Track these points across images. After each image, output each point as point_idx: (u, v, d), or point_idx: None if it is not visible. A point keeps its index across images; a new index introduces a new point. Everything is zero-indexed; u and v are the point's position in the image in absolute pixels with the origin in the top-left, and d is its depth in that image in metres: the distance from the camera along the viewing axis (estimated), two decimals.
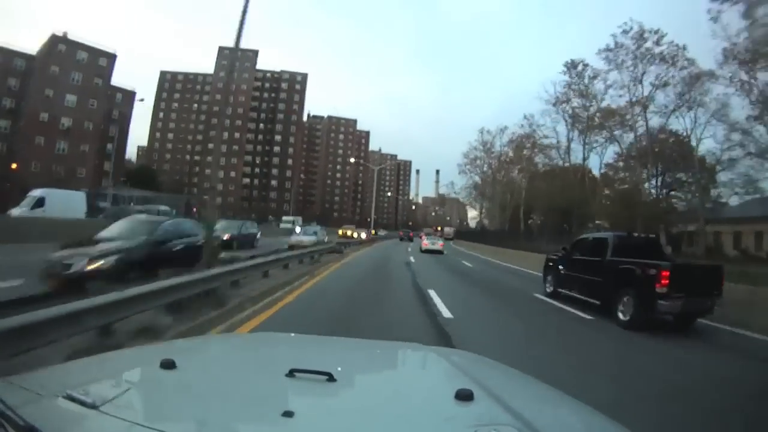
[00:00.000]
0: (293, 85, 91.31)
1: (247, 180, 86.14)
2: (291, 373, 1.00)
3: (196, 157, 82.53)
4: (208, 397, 0.94)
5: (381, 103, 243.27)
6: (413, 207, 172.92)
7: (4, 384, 0.91)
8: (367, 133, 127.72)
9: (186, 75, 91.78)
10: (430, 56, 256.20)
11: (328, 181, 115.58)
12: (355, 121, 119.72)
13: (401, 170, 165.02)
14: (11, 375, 0.98)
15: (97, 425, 0.77)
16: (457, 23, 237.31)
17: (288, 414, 0.80)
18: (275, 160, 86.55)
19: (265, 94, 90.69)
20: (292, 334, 1.90)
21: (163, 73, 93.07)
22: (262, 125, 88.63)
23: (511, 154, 65.90)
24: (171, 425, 0.75)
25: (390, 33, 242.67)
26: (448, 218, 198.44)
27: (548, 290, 9.80)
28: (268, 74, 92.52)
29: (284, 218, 58.01)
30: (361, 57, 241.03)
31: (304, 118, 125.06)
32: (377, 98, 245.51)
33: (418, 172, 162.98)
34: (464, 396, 0.91)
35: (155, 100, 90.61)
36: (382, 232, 57.96)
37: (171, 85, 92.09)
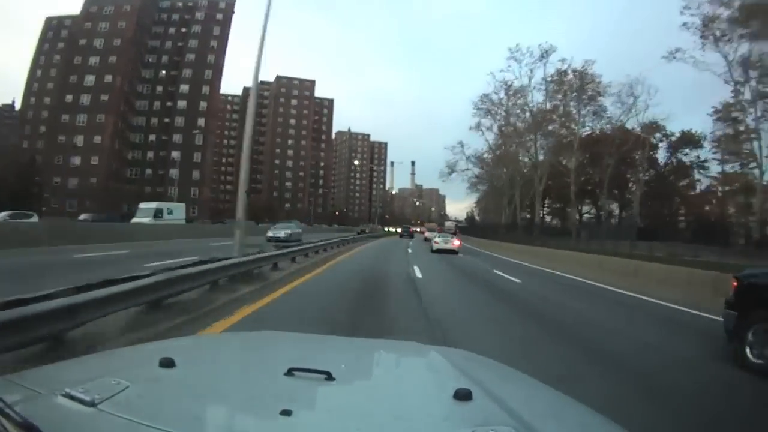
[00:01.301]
0: (213, 14, 61.56)
1: (137, 153, 56.21)
2: (290, 372, 1.00)
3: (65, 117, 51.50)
4: (207, 395, 0.95)
5: (352, 96, 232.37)
6: (393, 193, 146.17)
7: (2, 381, 0.92)
8: (330, 102, 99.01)
9: (75, 19, 60.74)
10: (406, 50, 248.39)
11: (277, 161, 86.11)
12: (312, 83, 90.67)
13: (375, 153, 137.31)
14: (10, 373, 0.99)
15: (95, 423, 0.77)
16: (430, 21, 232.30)
17: (286, 412, 0.80)
18: (179, 121, 56.60)
19: (171, 30, 60.80)
20: (291, 333, 1.92)
21: (48, 20, 62.63)
22: (163, 72, 58.61)
23: (541, 104, 40.08)
24: (170, 423, 0.75)
25: (364, 27, 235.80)
26: (433, 209, 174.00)
27: (755, 360, 4.10)
28: (179, 2, 62.69)
29: (141, 205, 29.56)
30: (332, 51, 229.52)
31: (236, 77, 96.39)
32: (349, 92, 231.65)
33: (392, 164, 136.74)
34: (463, 395, 0.91)
35: (35, 53, 60.98)
36: (276, 233, 23.29)
37: (56, 33, 61.59)
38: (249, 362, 1.27)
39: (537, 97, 40.68)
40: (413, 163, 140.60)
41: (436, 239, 21.81)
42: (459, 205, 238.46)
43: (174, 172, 53.15)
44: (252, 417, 0.87)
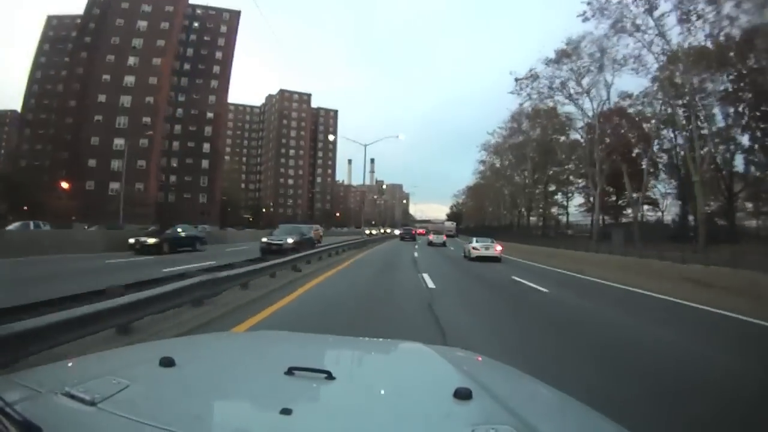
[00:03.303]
0: None
1: None
2: (290, 371, 1.00)
3: None
4: (207, 394, 0.96)
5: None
6: (344, 184, 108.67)
7: (3, 381, 0.93)
8: (235, 16, 58.07)
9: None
10: (367, 52, 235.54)
11: (102, 97, 44.06)
12: None
13: (322, 124, 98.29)
14: (11, 373, 0.99)
15: (95, 422, 0.77)
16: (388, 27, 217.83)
17: (286, 411, 0.81)
18: None
19: None
20: (291, 333, 1.93)
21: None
22: None
23: None
24: (170, 422, 0.76)
25: (320, 26, 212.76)
26: (405, 201, 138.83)
27: None
28: None
29: None
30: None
31: None
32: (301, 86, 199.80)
33: (350, 161, 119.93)
34: (463, 395, 0.91)
35: None
36: None
37: None
38: (249, 361, 1.26)
39: None
40: (372, 161, 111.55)
41: (474, 245, 18.70)
42: (423, 206, 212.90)
43: None
44: (252, 416, 0.88)
